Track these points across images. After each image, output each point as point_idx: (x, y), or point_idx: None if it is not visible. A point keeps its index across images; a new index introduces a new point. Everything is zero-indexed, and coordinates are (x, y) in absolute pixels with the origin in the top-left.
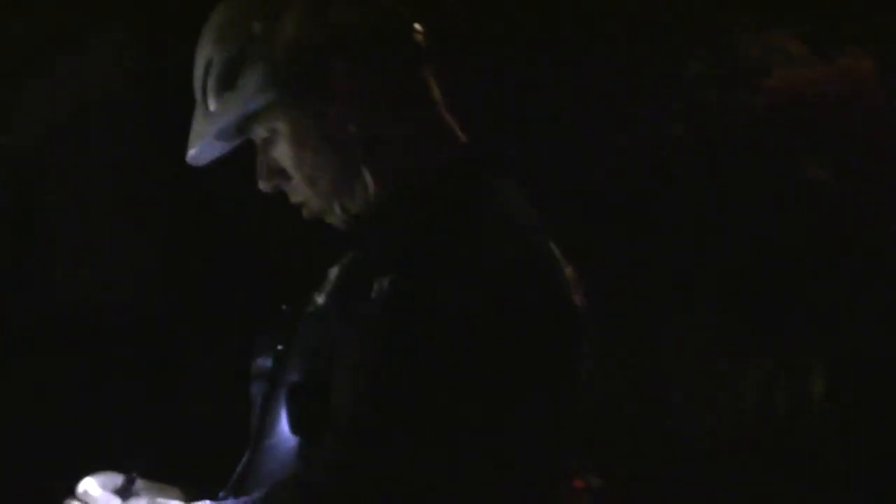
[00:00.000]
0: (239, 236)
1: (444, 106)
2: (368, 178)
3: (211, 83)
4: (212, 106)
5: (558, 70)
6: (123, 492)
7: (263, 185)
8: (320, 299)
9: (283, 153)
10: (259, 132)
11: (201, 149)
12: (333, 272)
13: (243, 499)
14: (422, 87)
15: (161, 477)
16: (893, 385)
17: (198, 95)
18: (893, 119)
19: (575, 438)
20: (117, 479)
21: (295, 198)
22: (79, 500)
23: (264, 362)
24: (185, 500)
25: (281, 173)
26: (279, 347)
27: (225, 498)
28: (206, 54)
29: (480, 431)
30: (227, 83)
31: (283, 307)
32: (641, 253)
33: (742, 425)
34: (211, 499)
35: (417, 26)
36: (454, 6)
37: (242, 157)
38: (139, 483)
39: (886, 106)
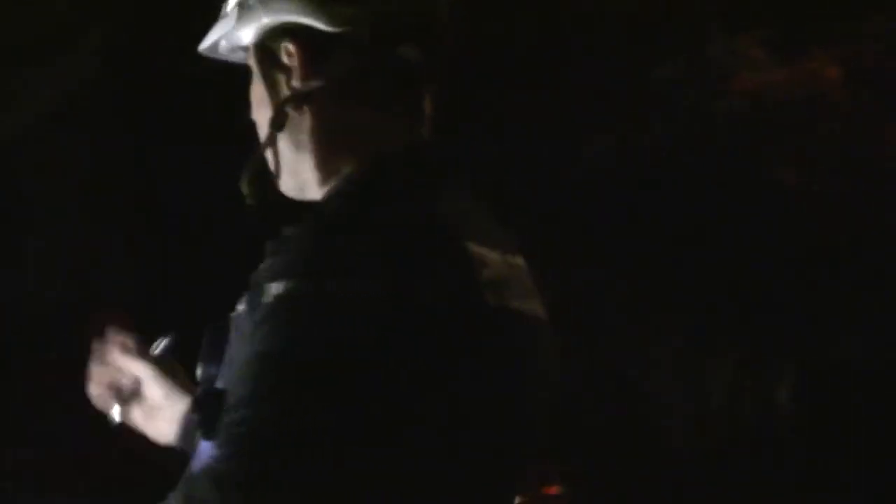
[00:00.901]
0: (204, 237)
1: (395, 108)
2: (311, 169)
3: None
4: (225, 9)
5: (526, 76)
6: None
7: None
8: (240, 305)
9: (253, 92)
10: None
11: (208, 41)
12: (252, 276)
13: None
14: (369, 87)
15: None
16: (859, 386)
17: None
18: (859, 123)
19: (524, 445)
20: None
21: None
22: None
23: (204, 368)
24: None
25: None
26: (214, 352)
27: None
28: None
29: (369, 446)
30: (237, 8)
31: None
32: (606, 257)
33: (709, 426)
34: None
35: (369, 28)
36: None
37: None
38: None
39: (852, 110)
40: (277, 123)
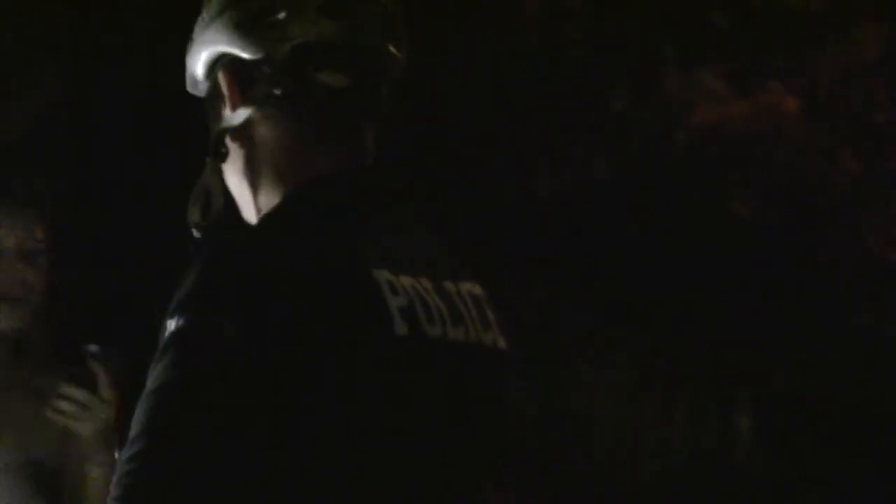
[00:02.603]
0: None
1: (332, 132)
2: (238, 187)
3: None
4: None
5: (480, 111)
6: None
7: None
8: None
9: None
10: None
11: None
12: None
13: None
14: (303, 112)
15: None
16: (821, 417)
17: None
18: (816, 154)
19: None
20: None
21: None
22: None
23: None
24: None
25: None
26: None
27: None
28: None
29: (256, 484)
30: (191, 44)
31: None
32: (567, 288)
33: (672, 458)
34: None
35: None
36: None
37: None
38: None
39: (809, 142)
40: (215, 153)
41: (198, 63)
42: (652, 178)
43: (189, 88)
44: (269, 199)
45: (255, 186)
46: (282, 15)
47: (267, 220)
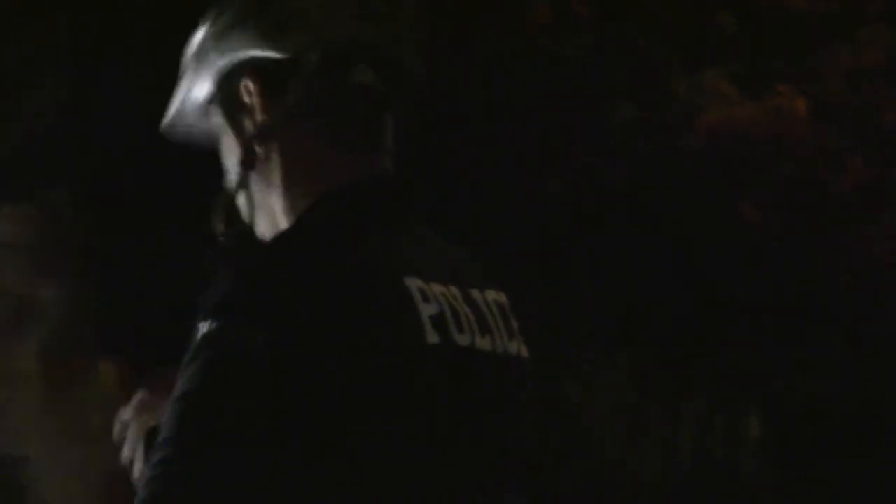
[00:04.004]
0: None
1: (361, 134)
2: (246, 201)
3: (184, 62)
4: (181, 81)
5: (489, 113)
6: None
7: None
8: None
9: (223, 144)
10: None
11: (167, 118)
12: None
13: None
14: (315, 123)
15: None
16: (827, 426)
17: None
18: (825, 158)
19: (472, 480)
20: None
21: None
22: None
23: None
24: None
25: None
26: None
27: None
28: (201, 33)
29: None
30: (192, 63)
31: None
32: (575, 296)
33: (679, 467)
34: None
35: (316, 59)
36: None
37: None
38: None
39: (816, 145)
40: (247, 163)
41: (204, 80)
42: (659, 180)
43: (169, 127)
44: (299, 204)
45: (284, 191)
46: (314, 18)
47: (300, 226)
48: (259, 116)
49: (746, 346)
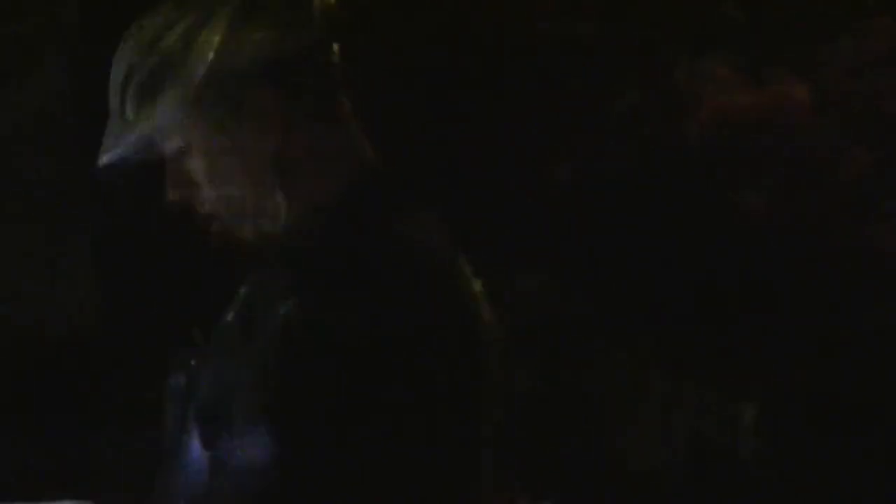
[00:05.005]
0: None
1: (360, 128)
2: (281, 199)
3: (131, 91)
4: (130, 114)
5: (488, 101)
6: None
7: (172, 195)
8: (230, 317)
9: (196, 167)
10: (175, 143)
11: (115, 155)
12: (243, 290)
13: None
14: (336, 109)
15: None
16: (826, 412)
17: (114, 101)
18: (829, 147)
19: (496, 458)
20: None
21: (204, 210)
22: None
23: (177, 380)
24: None
25: (191, 185)
26: (192, 364)
27: None
28: (127, 61)
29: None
30: (147, 94)
31: (194, 331)
32: (572, 277)
33: (674, 451)
34: None
35: (335, 48)
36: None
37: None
38: None
39: (820, 134)
40: (276, 161)
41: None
42: (660, 168)
43: (117, 161)
44: (307, 196)
45: (313, 181)
46: (312, 13)
47: (349, 210)
48: (275, 118)
49: (746, 330)
